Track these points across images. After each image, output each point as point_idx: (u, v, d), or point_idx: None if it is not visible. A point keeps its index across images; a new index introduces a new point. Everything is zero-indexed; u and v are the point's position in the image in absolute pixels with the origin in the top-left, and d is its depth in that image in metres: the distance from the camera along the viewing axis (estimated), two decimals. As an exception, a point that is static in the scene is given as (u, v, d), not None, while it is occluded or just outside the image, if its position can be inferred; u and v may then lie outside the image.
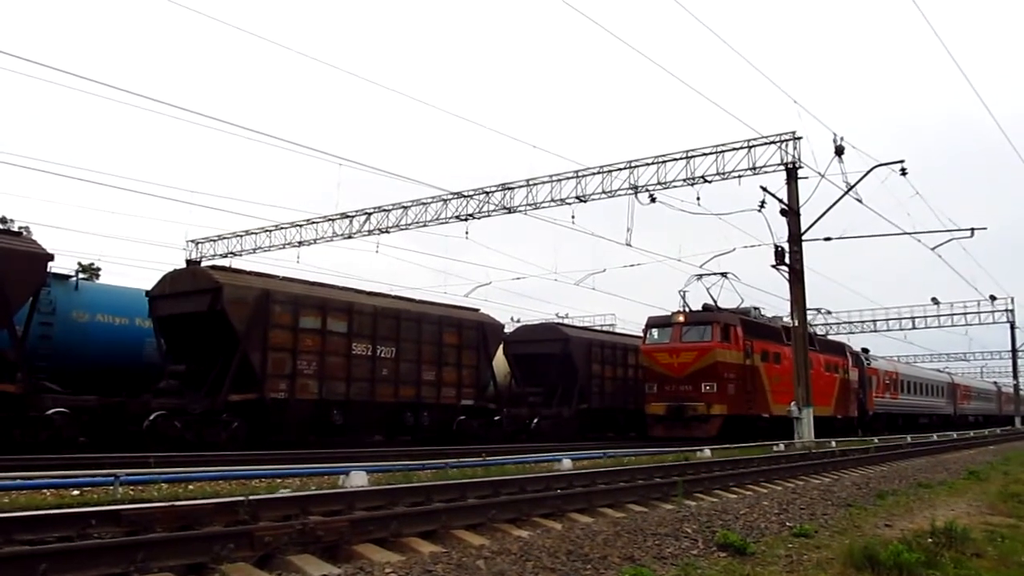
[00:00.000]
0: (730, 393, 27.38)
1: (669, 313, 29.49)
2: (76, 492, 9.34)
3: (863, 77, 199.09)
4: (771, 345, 30.28)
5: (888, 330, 57.91)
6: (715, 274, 29.84)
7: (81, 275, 24.03)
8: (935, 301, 53.77)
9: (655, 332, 29.18)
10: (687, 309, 29.35)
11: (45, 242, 17.65)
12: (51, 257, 17.11)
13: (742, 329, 28.50)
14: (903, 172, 24.11)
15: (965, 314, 54.10)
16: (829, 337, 42.91)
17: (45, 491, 9.24)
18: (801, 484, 13.41)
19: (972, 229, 25.72)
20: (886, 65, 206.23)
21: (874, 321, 58.67)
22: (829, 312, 55.44)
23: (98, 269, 38.17)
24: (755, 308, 31.50)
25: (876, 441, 27.81)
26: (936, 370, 61.93)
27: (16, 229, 29.41)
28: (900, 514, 10.07)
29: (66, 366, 19.12)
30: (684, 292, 29.89)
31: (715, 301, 29.67)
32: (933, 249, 27.49)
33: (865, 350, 43.93)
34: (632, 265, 34.08)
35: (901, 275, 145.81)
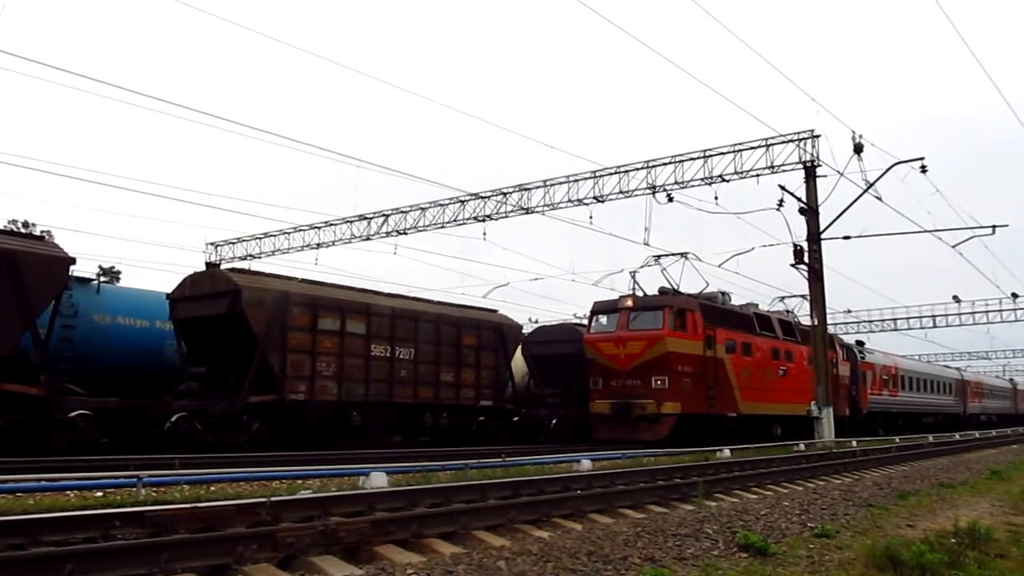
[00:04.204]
0: (685, 389, 24.14)
1: (617, 296, 26.34)
2: (99, 493, 9.41)
3: (882, 74, 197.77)
4: (739, 334, 27.02)
5: (909, 329, 57.51)
6: (674, 255, 26.95)
7: (102, 278, 24.28)
8: (956, 299, 53.39)
9: (602, 319, 25.90)
10: (642, 293, 26.35)
11: (67, 246, 17.84)
12: (73, 261, 17.26)
13: (702, 315, 25.21)
14: (923, 169, 23.96)
15: (987, 312, 53.56)
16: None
17: (69, 492, 9.32)
18: (822, 484, 13.34)
19: (994, 226, 25.46)
20: (905, 61, 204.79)
21: (894, 320, 58.28)
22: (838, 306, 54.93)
23: (119, 272, 38.55)
24: (722, 293, 28.41)
25: (897, 440, 27.62)
26: (944, 365, 60.61)
27: (38, 233, 29.77)
28: (922, 514, 10.01)
29: (88, 368, 19.27)
30: (635, 272, 26.98)
31: (673, 285, 26.64)
32: (954, 247, 27.25)
33: (860, 343, 42.21)
34: (650, 265, 33.43)
35: (921, 273, 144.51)
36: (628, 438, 23.20)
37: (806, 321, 33.75)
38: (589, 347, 25.76)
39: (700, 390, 24.70)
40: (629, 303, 25.23)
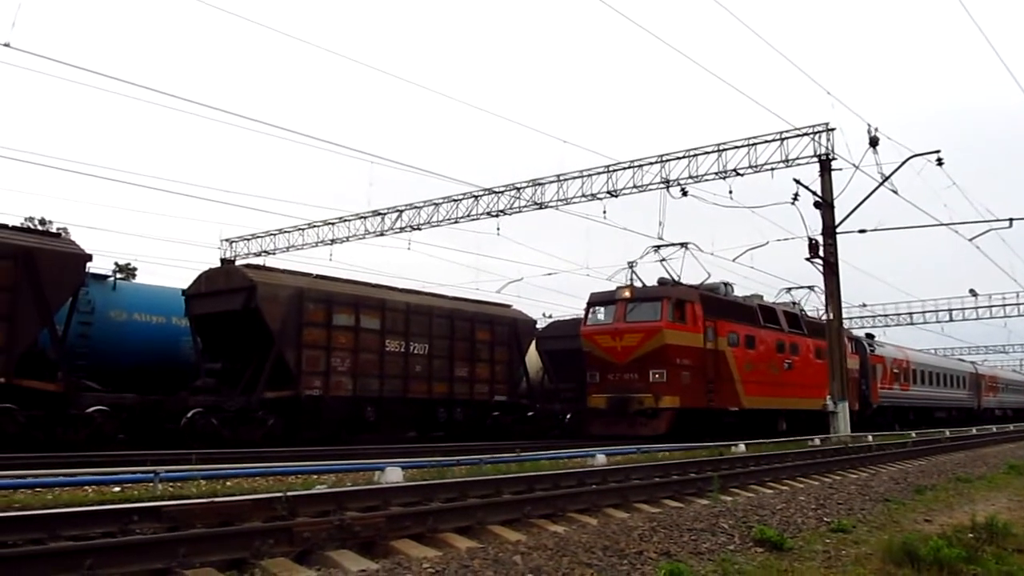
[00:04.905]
0: (684, 383, 23.20)
1: (614, 288, 25.29)
2: (117, 489, 9.49)
3: (897, 66, 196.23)
4: (742, 327, 26.21)
5: (925, 323, 57.04)
6: (675, 245, 25.72)
7: (118, 275, 24.39)
8: (973, 293, 52.85)
9: (599, 311, 24.90)
10: (641, 284, 25.27)
11: (83, 243, 17.91)
12: (89, 257, 17.35)
13: (701, 306, 24.28)
14: (939, 162, 23.74)
15: (1004, 306, 52.99)
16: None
17: (87, 488, 9.40)
18: (838, 479, 13.31)
19: (1011, 219, 25.12)
20: (920, 51, 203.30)
21: (910, 314, 57.76)
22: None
23: (134, 269, 38.77)
24: (725, 284, 27.28)
25: (913, 435, 27.47)
26: (959, 359, 59.85)
27: (55, 230, 29.98)
28: (939, 509, 9.96)
29: (104, 364, 19.41)
30: (633, 263, 25.84)
31: (673, 276, 25.51)
32: (971, 240, 26.98)
33: (870, 336, 41.22)
34: (664, 259, 33.14)
35: (938, 267, 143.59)
36: (625, 433, 22.48)
37: (816, 314, 33.35)
38: (585, 340, 24.84)
39: (700, 384, 23.86)
40: (626, 294, 24.34)
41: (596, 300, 25.33)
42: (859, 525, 8.44)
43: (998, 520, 7.88)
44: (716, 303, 25.55)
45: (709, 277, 26.61)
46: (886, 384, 38.77)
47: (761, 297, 29.74)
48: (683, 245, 25.66)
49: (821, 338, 29.59)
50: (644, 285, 25.25)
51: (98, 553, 5.18)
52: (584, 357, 25.07)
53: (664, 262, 25.79)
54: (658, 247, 25.75)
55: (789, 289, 33.46)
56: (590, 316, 25.24)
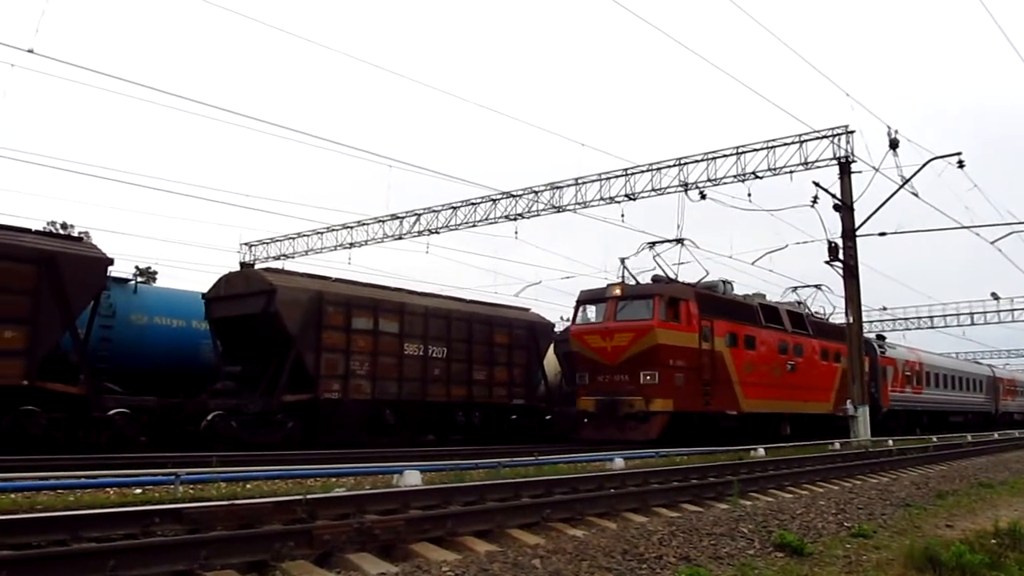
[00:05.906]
0: (677, 384, 22.21)
1: (604, 285, 24.24)
2: (138, 491, 9.54)
3: (917, 66, 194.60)
4: (741, 326, 25.13)
5: (946, 327, 56.57)
6: (670, 241, 24.87)
7: (139, 278, 24.60)
8: (995, 296, 52.45)
9: (589, 310, 23.77)
10: (635, 281, 24.38)
11: (104, 247, 18.07)
12: (111, 261, 17.51)
13: (697, 305, 23.21)
14: (960, 165, 23.59)
15: (1027, 309, 52.54)
16: (835, 322, 32.50)
17: (109, 490, 9.47)
18: (858, 484, 13.21)
19: (1033, 222, 25.01)
20: (941, 52, 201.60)
21: (931, 317, 57.32)
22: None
23: (155, 272, 39.02)
24: (724, 282, 26.40)
25: (934, 440, 27.24)
26: (976, 361, 58.93)
27: (77, 234, 30.25)
28: (961, 514, 9.89)
29: (125, 367, 19.56)
30: (625, 259, 24.95)
31: (668, 273, 24.74)
32: (993, 243, 26.81)
33: (880, 337, 40.06)
34: (682, 263, 32.86)
35: (959, 270, 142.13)
36: (615, 438, 21.43)
37: (824, 314, 32.73)
38: (575, 340, 23.88)
39: (695, 386, 22.83)
40: (616, 292, 23.22)
41: (586, 298, 24.26)
42: (880, 530, 8.39)
43: (1021, 526, 7.81)
44: (713, 301, 24.64)
45: (707, 275, 25.92)
46: (897, 387, 37.68)
47: (763, 296, 28.93)
48: (678, 241, 24.90)
49: (828, 339, 29.40)
50: (637, 282, 24.54)
51: (120, 554, 5.21)
52: (574, 358, 24.33)
53: (657, 258, 25.07)
54: (652, 244, 25.10)
55: (795, 288, 32.55)
56: (579, 315, 24.24)
